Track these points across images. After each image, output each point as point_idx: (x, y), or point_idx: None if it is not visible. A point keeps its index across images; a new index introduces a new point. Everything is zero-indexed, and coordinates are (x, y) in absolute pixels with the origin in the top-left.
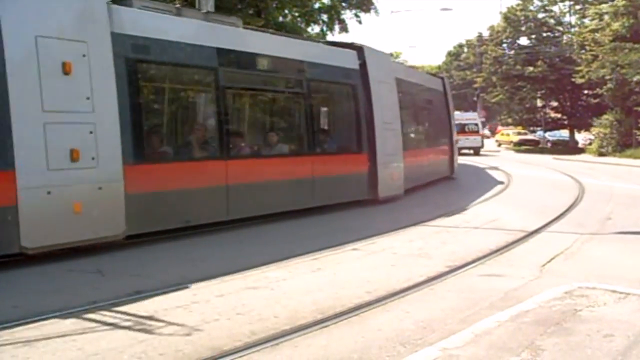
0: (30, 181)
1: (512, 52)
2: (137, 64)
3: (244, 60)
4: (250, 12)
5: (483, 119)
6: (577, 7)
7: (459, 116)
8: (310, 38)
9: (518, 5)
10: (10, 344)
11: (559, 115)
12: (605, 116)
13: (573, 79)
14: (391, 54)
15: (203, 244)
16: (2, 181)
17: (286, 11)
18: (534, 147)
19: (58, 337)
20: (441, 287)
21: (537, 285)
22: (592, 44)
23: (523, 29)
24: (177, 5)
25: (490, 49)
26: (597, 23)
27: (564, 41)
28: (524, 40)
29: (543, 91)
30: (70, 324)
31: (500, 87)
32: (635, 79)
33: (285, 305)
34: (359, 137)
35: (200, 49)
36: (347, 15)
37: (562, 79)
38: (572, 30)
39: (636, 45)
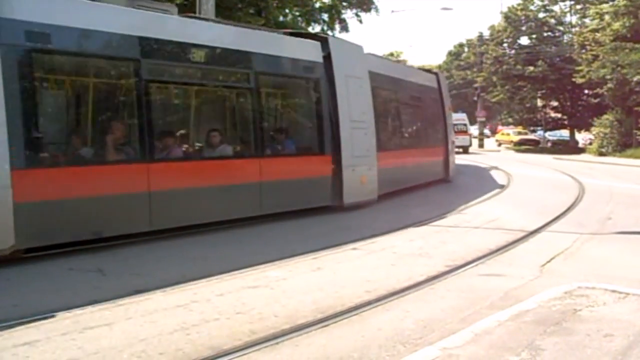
0: None
1: (513, 51)
2: (31, 54)
3: (174, 50)
4: (251, 11)
5: (483, 119)
6: (578, 6)
7: None
8: (265, 27)
9: (519, 4)
10: (11, 342)
11: (559, 115)
12: (605, 116)
13: (573, 79)
14: (391, 54)
15: (203, 243)
16: None
17: (287, 10)
18: (534, 146)
19: (58, 336)
20: (441, 287)
21: (537, 284)
22: (593, 44)
23: (524, 28)
24: None
25: (490, 49)
26: (598, 23)
27: (565, 41)
28: (524, 40)
29: (543, 91)
30: (70, 323)
31: (501, 86)
32: (635, 78)
33: (285, 305)
34: (320, 137)
35: (116, 38)
36: (348, 14)
37: (563, 78)
38: (573, 30)
39: (637, 45)
